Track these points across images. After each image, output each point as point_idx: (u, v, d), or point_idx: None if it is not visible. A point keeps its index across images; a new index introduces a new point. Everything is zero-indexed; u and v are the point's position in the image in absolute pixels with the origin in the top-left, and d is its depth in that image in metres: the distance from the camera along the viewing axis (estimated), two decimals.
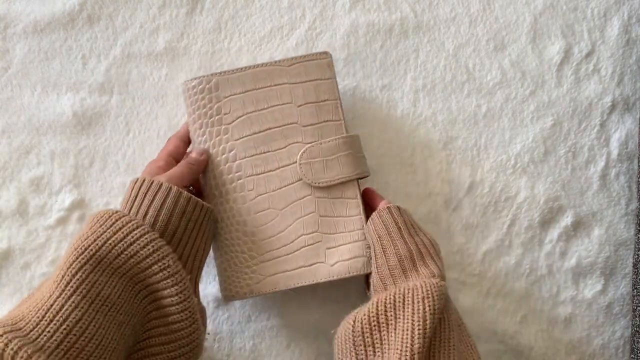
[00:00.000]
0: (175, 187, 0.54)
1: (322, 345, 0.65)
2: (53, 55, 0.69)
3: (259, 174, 0.60)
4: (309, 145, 0.61)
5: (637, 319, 0.64)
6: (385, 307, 0.51)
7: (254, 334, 0.65)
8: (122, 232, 0.50)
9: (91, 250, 0.49)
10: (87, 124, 0.68)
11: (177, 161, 0.60)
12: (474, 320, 0.67)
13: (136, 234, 0.50)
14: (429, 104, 0.70)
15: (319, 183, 0.60)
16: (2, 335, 0.43)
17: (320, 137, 0.61)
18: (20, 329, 0.45)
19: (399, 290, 0.52)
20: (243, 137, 0.61)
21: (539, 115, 0.70)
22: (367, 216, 0.60)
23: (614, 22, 0.72)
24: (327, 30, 0.70)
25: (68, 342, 0.45)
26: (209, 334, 0.64)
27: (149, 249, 0.50)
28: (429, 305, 0.50)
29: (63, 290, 0.47)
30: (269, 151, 0.61)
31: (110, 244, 0.49)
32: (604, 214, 0.69)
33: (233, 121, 0.61)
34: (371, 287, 0.58)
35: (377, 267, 0.57)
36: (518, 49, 0.71)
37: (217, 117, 0.61)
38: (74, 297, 0.47)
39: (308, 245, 0.60)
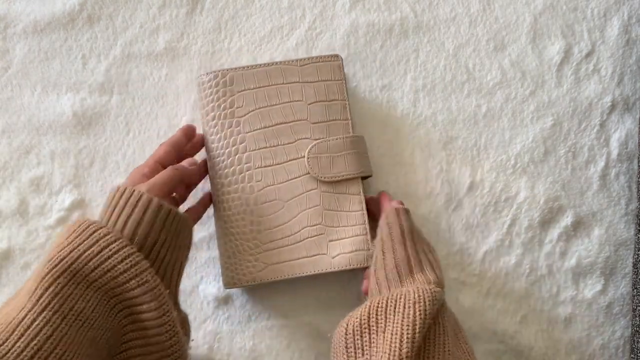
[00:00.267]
0: (156, 199, 0.52)
1: (322, 345, 0.65)
2: (53, 55, 0.69)
3: (268, 166, 0.63)
4: (317, 141, 0.63)
5: (637, 319, 0.64)
6: (377, 310, 0.51)
7: (254, 334, 0.65)
8: (99, 245, 0.49)
9: (66, 262, 0.47)
10: (87, 124, 0.68)
11: (165, 167, 0.59)
12: (474, 320, 0.67)
13: (114, 247, 0.49)
14: (429, 104, 0.70)
15: (324, 178, 0.62)
16: None
17: (328, 134, 0.63)
18: None
19: (392, 295, 0.52)
20: (254, 130, 0.63)
21: (539, 115, 0.70)
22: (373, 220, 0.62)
23: (614, 22, 0.72)
24: (327, 30, 0.70)
25: (38, 358, 0.44)
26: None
27: (126, 264, 0.49)
28: (420, 310, 0.49)
29: (35, 304, 0.46)
30: (278, 145, 0.63)
31: (86, 256, 0.48)
32: (604, 214, 0.69)
33: (245, 114, 0.63)
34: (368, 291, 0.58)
35: (375, 271, 0.57)
36: (518, 49, 0.71)
37: (229, 110, 0.63)
38: (45, 312, 0.45)
39: (311, 237, 0.62)
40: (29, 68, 0.69)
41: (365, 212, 0.63)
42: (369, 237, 0.63)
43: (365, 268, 0.62)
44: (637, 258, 0.66)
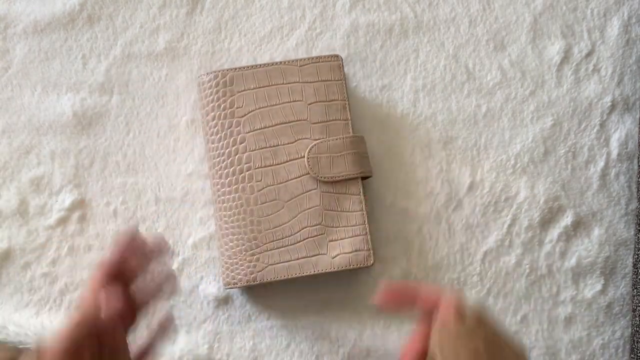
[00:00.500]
0: None
1: (322, 345, 0.65)
2: (53, 56, 0.69)
3: (268, 166, 0.63)
4: (317, 141, 0.63)
5: (637, 319, 0.64)
6: None
7: (254, 334, 0.66)
8: None
9: None
10: (88, 124, 0.68)
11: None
12: None
13: None
14: (429, 104, 0.70)
15: (324, 178, 0.62)
16: None
17: (328, 134, 0.64)
18: None
19: None
20: (254, 130, 0.63)
21: (539, 115, 0.70)
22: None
23: (614, 22, 0.72)
24: (327, 31, 0.70)
25: None
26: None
27: None
28: None
29: None
30: (278, 145, 0.63)
31: None
32: (604, 214, 0.69)
33: (245, 115, 0.63)
34: None
35: None
36: (518, 49, 0.71)
37: (229, 110, 0.63)
38: None
39: (311, 237, 0.62)
40: (29, 68, 0.69)
41: (365, 212, 0.63)
42: (369, 237, 0.63)
43: (365, 268, 0.62)
44: (637, 258, 0.66)
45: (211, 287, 0.66)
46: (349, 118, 0.64)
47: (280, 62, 0.64)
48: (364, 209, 0.63)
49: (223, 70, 0.64)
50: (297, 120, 0.63)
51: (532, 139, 0.70)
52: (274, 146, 0.63)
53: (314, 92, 0.64)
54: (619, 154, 0.70)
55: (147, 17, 0.70)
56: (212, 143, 0.63)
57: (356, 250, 0.62)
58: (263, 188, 0.62)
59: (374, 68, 0.70)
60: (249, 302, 0.66)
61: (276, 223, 0.62)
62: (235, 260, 0.62)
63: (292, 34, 0.70)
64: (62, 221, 0.66)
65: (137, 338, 0.52)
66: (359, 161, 0.63)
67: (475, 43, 0.71)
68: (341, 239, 0.63)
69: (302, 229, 0.62)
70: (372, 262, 0.63)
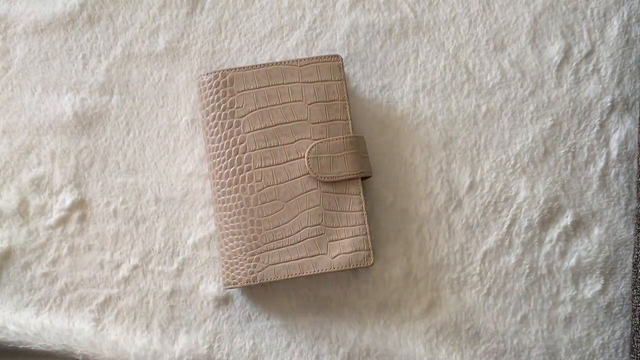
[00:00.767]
0: None
1: (322, 345, 0.65)
2: (53, 56, 0.69)
3: (268, 166, 0.63)
4: (317, 141, 0.63)
5: (637, 319, 0.64)
6: None
7: (254, 334, 0.66)
8: None
9: None
10: (88, 124, 0.68)
11: None
12: (474, 320, 0.67)
13: None
14: (429, 104, 0.70)
15: (324, 178, 0.62)
16: None
17: (328, 134, 0.64)
18: None
19: None
20: (254, 130, 0.63)
21: (539, 115, 0.70)
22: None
23: (614, 22, 0.72)
24: (327, 31, 0.70)
25: None
26: None
27: None
28: None
29: None
30: (278, 145, 0.63)
31: None
32: (603, 214, 0.69)
33: (245, 115, 0.63)
34: None
35: None
36: (518, 49, 0.71)
37: (229, 110, 0.63)
38: None
39: (311, 237, 0.62)
40: (30, 68, 0.69)
41: (365, 212, 0.63)
42: (369, 237, 0.63)
43: (365, 268, 0.62)
44: (637, 258, 0.66)
45: (211, 287, 0.66)
46: (349, 118, 0.65)
47: (280, 62, 0.64)
48: (364, 209, 0.63)
49: (223, 70, 0.64)
50: (297, 120, 0.64)
51: (532, 139, 0.70)
52: (274, 146, 0.63)
53: (314, 92, 0.64)
54: (618, 154, 0.70)
55: (147, 17, 0.70)
56: (212, 143, 0.63)
57: (356, 250, 0.63)
58: (263, 188, 0.62)
59: (374, 68, 0.70)
60: (249, 302, 0.66)
61: (276, 223, 0.62)
62: (235, 260, 0.62)
63: (292, 34, 0.70)
64: (62, 221, 0.66)
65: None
66: (359, 161, 0.63)
67: (475, 43, 0.71)
68: (341, 239, 0.63)
69: (302, 229, 0.62)
70: (372, 262, 0.63)
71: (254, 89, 0.64)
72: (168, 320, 0.65)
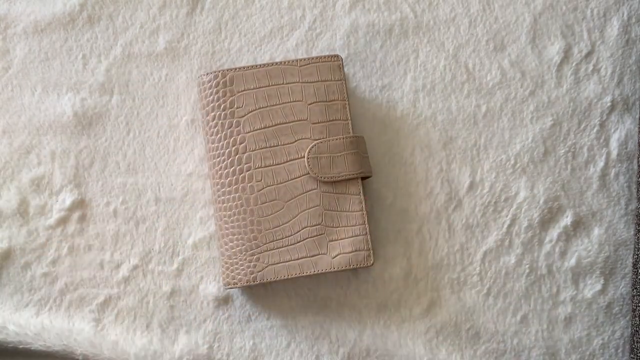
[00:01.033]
0: None
1: (322, 345, 0.65)
2: (53, 56, 0.69)
3: (268, 166, 0.63)
4: (317, 141, 0.63)
5: (637, 319, 0.64)
6: None
7: (254, 334, 0.66)
8: None
9: None
10: (88, 124, 0.68)
11: None
12: (474, 320, 0.67)
13: None
14: (429, 104, 0.70)
15: (324, 178, 0.63)
16: None
17: (328, 134, 0.64)
18: None
19: None
20: (254, 131, 0.63)
21: (539, 115, 0.70)
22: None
23: (614, 22, 0.72)
24: (327, 31, 0.70)
25: None
26: None
27: None
28: None
29: None
30: (278, 145, 0.63)
31: None
32: (603, 214, 0.69)
33: (245, 115, 0.63)
34: None
35: None
36: (518, 49, 0.71)
37: (229, 110, 0.63)
38: None
39: (311, 237, 0.62)
40: (30, 68, 0.69)
41: (365, 212, 0.63)
42: (369, 237, 0.63)
43: (365, 268, 0.62)
44: (637, 258, 0.66)
45: (211, 287, 0.66)
46: (349, 118, 0.65)
47: (280, 62, 0.64)
48: (364, 209, 0.63)
49: (223, 70, 0.64)
50: (297, 120, 0.64)
51: (531, 139, 0.70)
52: (274, 146, 0.63)
53: (314, 92, 0.64)
54: (618, 154, 0.70)
55: (147, 17, 0.70)
56: (212, 143, 0.63)
57: (356, 250, 0.63)
58: (263, 188, 0.63)
59: (374, 68, 0.70)
60: (249, 302, 0.66)
61: (276, 223, 0.62)
62: (235, 260, 0.62)
63: (292, 34, 0.70)
64: (62, 221, 0.66)
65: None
66: (359, 161, 0.64)
67: (475, 43, 0.71)
68: (341, 239, 0.63)
69: (302, 229, 0.62)
70: (372, 262, 0.63)
71: (254, 89, 0.64)
72: (168, 320, 0.65)
